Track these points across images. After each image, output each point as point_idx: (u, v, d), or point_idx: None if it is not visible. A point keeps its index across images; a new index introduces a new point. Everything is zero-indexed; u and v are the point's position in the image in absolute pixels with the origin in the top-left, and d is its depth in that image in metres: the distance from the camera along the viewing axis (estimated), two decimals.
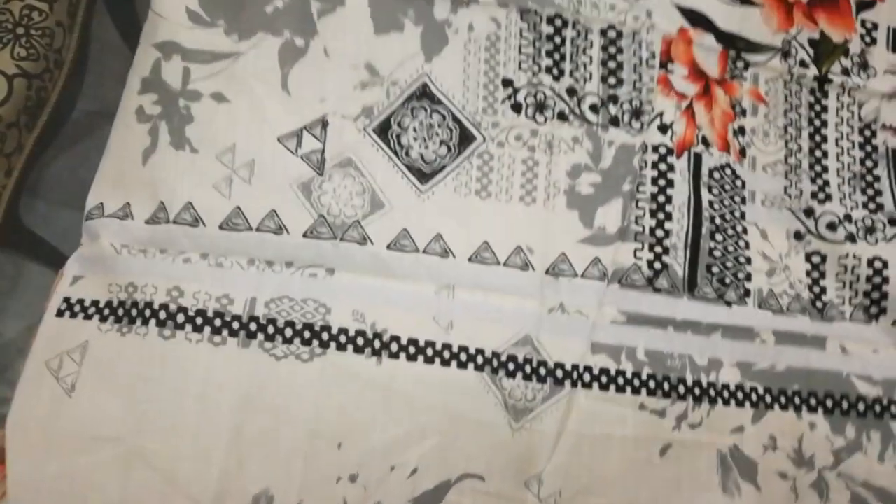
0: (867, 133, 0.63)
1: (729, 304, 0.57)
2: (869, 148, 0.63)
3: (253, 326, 0.48)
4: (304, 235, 0.50)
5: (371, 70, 0.53)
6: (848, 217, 0.61)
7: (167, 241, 0.50)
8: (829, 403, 0.57)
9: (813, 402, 0.57)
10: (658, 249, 0.56)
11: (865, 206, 0.62)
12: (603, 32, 0.57)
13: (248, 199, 0.50)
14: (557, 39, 0.56)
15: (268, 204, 0.50)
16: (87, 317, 0.47)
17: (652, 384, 0.54)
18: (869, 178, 0.62)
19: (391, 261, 0.51)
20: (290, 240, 0.50)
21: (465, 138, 0.54)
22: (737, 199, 0.59)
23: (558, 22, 0.56)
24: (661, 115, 0.57)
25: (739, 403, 0.55)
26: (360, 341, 0.49)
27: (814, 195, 0.61)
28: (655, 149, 0.57)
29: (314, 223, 0.50)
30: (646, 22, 0.58)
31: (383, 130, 0.53)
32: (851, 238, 0.61)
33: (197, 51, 0.53)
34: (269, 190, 0.50)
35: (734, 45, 0.60)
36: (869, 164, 0.63)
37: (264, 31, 0.53)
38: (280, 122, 0.51)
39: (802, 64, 0.62)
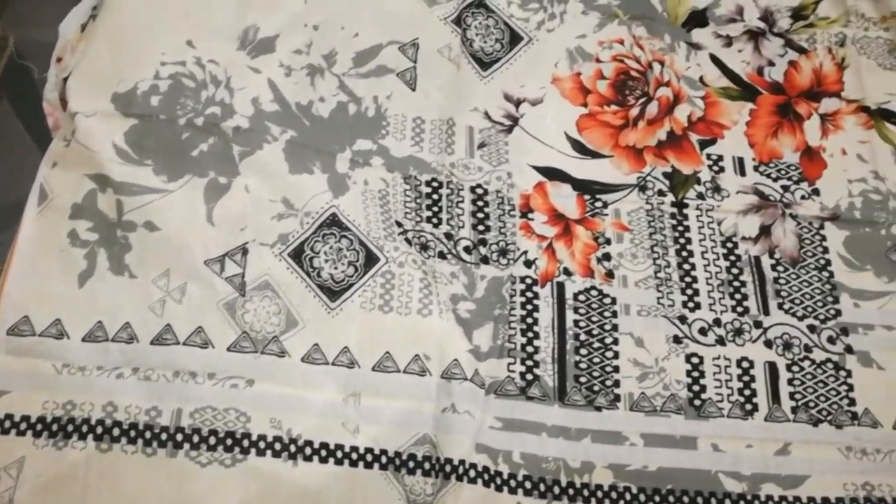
0: (729, 245, 0.73)
1: (599, 409, 0.65)
2: (733, 257, 0.72)
3: (179, 437, 0.58)
4: (228, 349, 0.61)
5: (287, 203, 0.67)
6: (717, 321, 0.69)
7: (104, 358, 0.59)
8: (699, 501, 0.62)
9: (685, 500, 0.62)
10: (529, 363, 0.66)
11: (734, 309, 0.70)
12: (472, 189, 0.72)
13: (178, 318, 0.61)
14: (435, 196, 0.71)
15: (196, 321, 0.61)
16: (21, 433, 0.57)
17: (528, 485, 0.62)
18: (736, 283, 0.71)
19: (305, 372, 0.62)
20: (215, 353, 0.61)
21: (370, 259, 0.67)
22: (606, 314, 0.69)
23: (435, 184, 0.72)
24: (525, 253, 0.70)
25: (614, 503, 0.62)
26: (277, 446, 0.59)
27: (685, 304, 0.70)
28: (522, 280, 0.69)
29: (237, 338, 0.62)
30: (506, 181, 0.73)
31: (297, 255, 0.65)
32: (721, 341, 0.68)
33: (129, 184, 0.63)
34: (197, 309, 0.62)
35: (590, 190, 0.73)
36: (735, 271, 0.71)
37: (191, 174, 0.65)
38: (206, 249, 0.64)
39: (660, 193, 0.74)
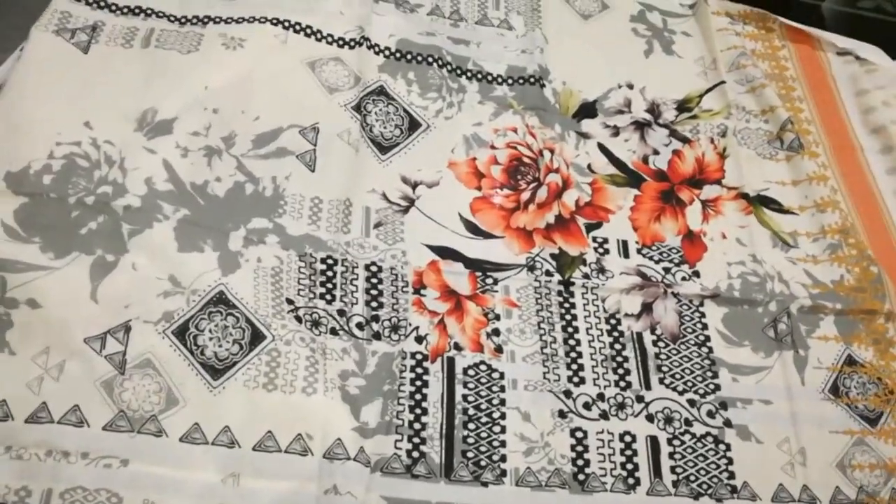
0: (613, 321, 0.77)
1: (485, 484, 0.67)
2: (616, 334, 0.76)
3: None
4: (104, 428, 0.61)
5: (174, 281, 0.69)
6: (601, 396, 0.73)
7: None
8: None
9: None
10: (416, 440, 0.68)
11: (616, 384, 0.74)
12: (367, 267, 0.75)
13: (55, 396, 0.61)
14: (330, 273, 0.74)
15: (72, 399, 0.62)
16: None
17: None
18: (619, 359, 0.75)
19: (182, 452, 0.62)
20: (90, 432, 0.61)
21: (256, 337, 0.68)
22: (494, 388, 0.72)
23: (330, 261, 0.75)
24: (416, 328, 0.73)
25: None
26: None
27: (570, 378, 0.73)
28: (413, 356, 0.72)
29: (114, 417, 0.62)
30: (401, 259, 0.77)
31: (182, 333, 0.67)
32: (605, 415, 0.72)
33: (13, 261, 0.65)
34: (74, 387, 0.62)
35: (481, 268, 0.78)
36: (618, 346, 0.76)
37: (78, 251, 0.67)
38: (87, 327, 0.65)
39: (548, 273, 0.79)
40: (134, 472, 0.61)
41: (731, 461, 0.72)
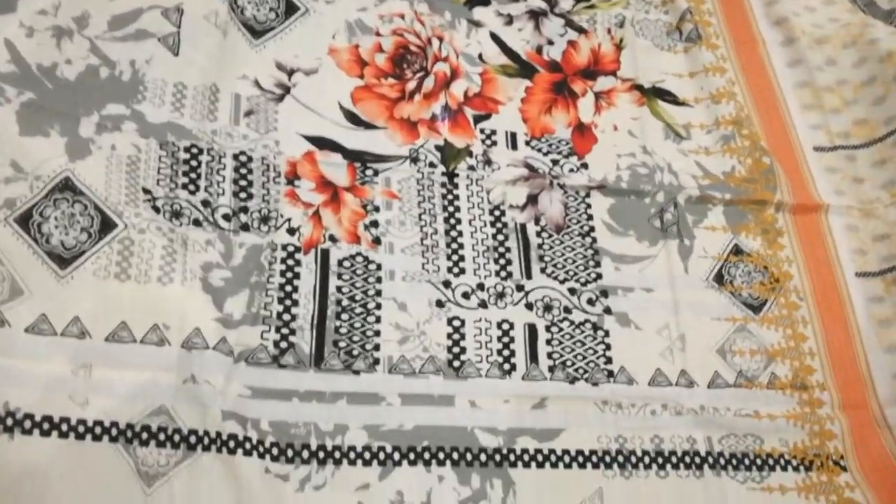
0: (497, 213, 0.77)
1: (357, 372, 0.67)
2: (500, 225, 0.76)
3: None
4: None
5: (16, 167, 0.65)
6: (481, 286, 0.73)
7: None
8: (455, 456, 0.65)
9: (441, 455, 0.65)
10: (285, 331, 0.67)
11: (497, 274, 0.74)
12: (235, 157, 0.73)
13: None
14: (194, 163, 0.71)
15: None
16: None
17: (275, 451, 0.62)
18: (501, 249, 0.75)
19: (28, 343, 0.60)
20: None
21: (107, 225, 0.65)
22: (370, 280, 0.71)
23: (194, 150, 0.72)
24: (289, 220, 0.71)
25: (366, 463, 0.64)
26: None
27: (450, 269, 0.73)
28: (284, 247, 0.70)
29: None
30: (273, 149, 0.74)
31: (24, 220, 0.63)
32: (483, 304, 0.72)
33: None
34: None
35: (361, 159, 0.76)
36: (500, 238, 0.75)
37: None
38: None
39: (431, 164, 0.77)
40: None
41: (608, 347, 0.73)
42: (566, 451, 0.68)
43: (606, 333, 0.73)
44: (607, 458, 0.68)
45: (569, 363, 0.71)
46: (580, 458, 0.68)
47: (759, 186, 0.84)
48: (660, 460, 0.69)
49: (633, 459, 0.68)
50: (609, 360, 0.72)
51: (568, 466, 0.67)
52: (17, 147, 0.66)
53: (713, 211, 0.82)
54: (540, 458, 0.67)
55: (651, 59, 0.91)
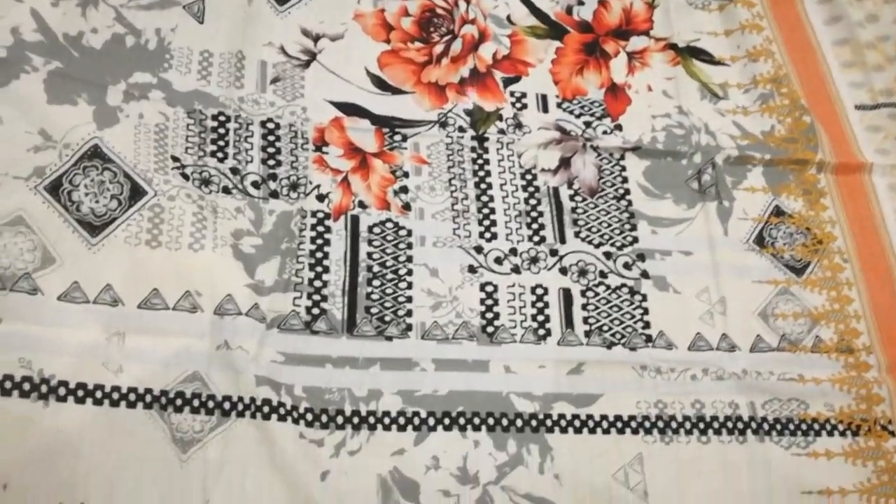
0: (528, 177, 0.75)
1: (389, 338, 0.66)
2: (532, 189, 0.75)
3: None
4: None
5: (44, 135, 0.65)
6: (514, 251, 0.71)
7: None
8: (490, 422, 0.64)
9: (476, 421, 0.64)
10: (316, 297, 0.66)
11: (530, 239, 0.72)
12: (263, 124, 0.72)
13: None
14: (221, 131, 0.71)
15: None
16: None
17: (310, 416, 0.62)
18: (533, 213, 0.73)
19: (61, 311, 0.60)
20: None
21: (137, 192, 0.66)
22: (401, 245, 0.70)
23: (222, 118, 0.71)
24: (318, 187, 0.71)
25: (401, 428, 0.63)
26: (26, 386, 0.58)
27: (481, 234, 0.72)
28: (314, 214, 0.70)
29: None
30: (300, 115, 0.73)
31: (55, 188, 0.64)
32: (516, 269, 0.71)
33: None
34: None
35: (389, 125, 0.75)
36: (532, 202, 0.74)
37: None
38: None
39: (461, 129, 0.76)
40: (7, 332, 0.59)
41: (646, 311, 0.71)
42: (604, 417, 0.66)
43: (644, 298, 0.72)
44: (647, 424, 0.67)
45: (605, 328, 0.70)
46: (619, 424, 0.66)
47: (800, 146, 0.81)
48: (701, 426, 0.68)
49: (674, 425, 0.67)
50: (647, 325, 0.71)
51: (606, 432, 0.66)
52: (46, 115, 0.66)
53: (752, 172, 0.80)
54: (577, 423, 0.66)
55: (685, 18, 0.88)
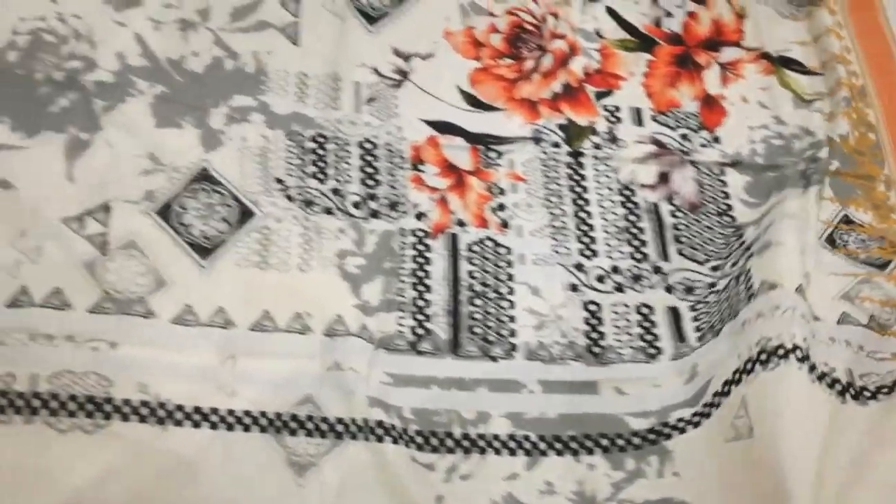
0: (627, 193, 0.74)
1: (494, 359, 0.65)
2: (631, 205, 0.73)
3: (36, 402, 0.56)
4: (89, 311, 0.59)
5: (153, 159, 0.66)
6: (615, 269, 0.70)
7: None
8: (604, 443, 0.62)
9: (589, 443, 0.62)
10: (420, 317, 0.66)
11: (632, 256, 0.71)
12: (360, 144, 0.72)
13: (35, 279, 0.59)
14: (321, 152, 0.71)
15: (53, 282, 0.60)
16: None
17: (420, 440, 0.61)
18: (633, 230, 0.72)
19: (175, 334, 0.60)
20: (75, 315, 0.59)
21: (245, 214, 0.66)
22: (501, 264, 0.69)
23: (320, 139, 0.72)
24: (416, 206, 0.70)
25: (512, 452, 0.62)
26: (143, 411, 0.58)
27: (581, 252, 0.71)
28: (413, 233, 0.69)
29: (99, 300, 0.60)
30: (396, 135, 0.73)
31: (165, 212, 0.64)
32: (619, 288, 0.69)
33: None
34: (54, 269, 0.60)
35: (483, 142, 0.74)
36: (632, 218, 0.73)
37: (49, 130, 0.65)
38: (65, 208, 0.62)
39: (555, 145, 0.75)
40: (124, 356, 0.59)
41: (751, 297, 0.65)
42: (716, 394, 0.63)
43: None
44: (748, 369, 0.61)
45: (716, 324, 0.67)
46: (726, 389, 0.62)
47: (867, 160, 0.78)
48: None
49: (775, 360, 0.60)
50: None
51: (717, 406, 0.62)
52: (154, 139, 0.67)
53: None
54: (696, 419, 0.63)
55: (774, 28, 0.86)
